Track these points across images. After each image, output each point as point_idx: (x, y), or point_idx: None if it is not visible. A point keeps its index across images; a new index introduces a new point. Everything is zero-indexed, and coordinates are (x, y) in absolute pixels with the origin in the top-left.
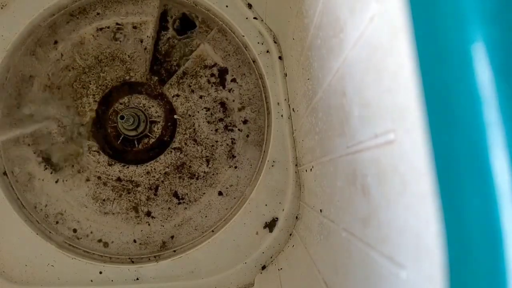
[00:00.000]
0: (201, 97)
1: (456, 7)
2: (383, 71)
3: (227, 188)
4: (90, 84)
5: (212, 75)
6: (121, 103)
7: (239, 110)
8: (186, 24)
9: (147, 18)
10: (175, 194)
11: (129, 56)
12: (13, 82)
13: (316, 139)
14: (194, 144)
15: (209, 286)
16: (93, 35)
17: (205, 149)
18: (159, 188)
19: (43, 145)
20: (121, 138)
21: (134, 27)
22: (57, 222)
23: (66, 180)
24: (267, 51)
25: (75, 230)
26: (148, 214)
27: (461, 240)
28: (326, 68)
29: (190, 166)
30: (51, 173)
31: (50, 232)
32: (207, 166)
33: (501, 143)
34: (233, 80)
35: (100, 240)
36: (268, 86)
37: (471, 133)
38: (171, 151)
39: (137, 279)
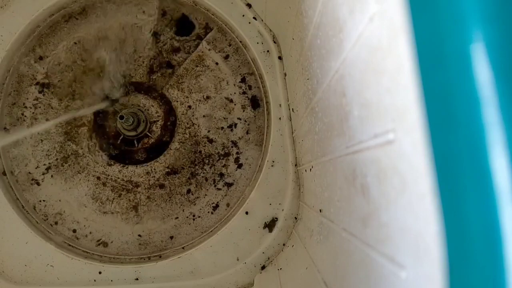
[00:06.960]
0: (200, 97)
1: (456, 7)
2: (383, 71)
3: (226, 188)
4: (90, 83)
5: (212, 75)
6: (120, 103)
7: (239, 110)
8: (186, 25)
9: (147, 18)
10: (175, 194)
11: (128, 56)
12: (13, 82)
13: (316, 139)
14: (193, 144)
15: (208, 286)
16: (92, 35)
17: (205, 149)
18: (159, 188)
19: (43, 144)
20: (120, 138)
21: (134, 27)
22: (56, 222)
23: (66, 180)
24: (267, 51)
25: (74, 230)
26: (148, 214)
27: (460, 240)
28: (326, 68)
29: (189, 166)
30: (50, 173)
31: (49, 232)
32: (207, 165)
33: (501, 143)
34: (232, 80)
35: (99, 240)
36: (268, 86)
37: (471, 133)
38: (170, 151)
39: (137, 279)
